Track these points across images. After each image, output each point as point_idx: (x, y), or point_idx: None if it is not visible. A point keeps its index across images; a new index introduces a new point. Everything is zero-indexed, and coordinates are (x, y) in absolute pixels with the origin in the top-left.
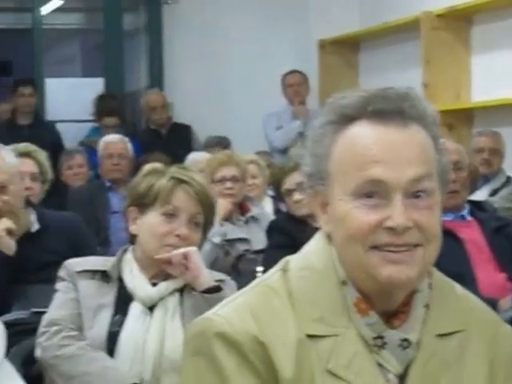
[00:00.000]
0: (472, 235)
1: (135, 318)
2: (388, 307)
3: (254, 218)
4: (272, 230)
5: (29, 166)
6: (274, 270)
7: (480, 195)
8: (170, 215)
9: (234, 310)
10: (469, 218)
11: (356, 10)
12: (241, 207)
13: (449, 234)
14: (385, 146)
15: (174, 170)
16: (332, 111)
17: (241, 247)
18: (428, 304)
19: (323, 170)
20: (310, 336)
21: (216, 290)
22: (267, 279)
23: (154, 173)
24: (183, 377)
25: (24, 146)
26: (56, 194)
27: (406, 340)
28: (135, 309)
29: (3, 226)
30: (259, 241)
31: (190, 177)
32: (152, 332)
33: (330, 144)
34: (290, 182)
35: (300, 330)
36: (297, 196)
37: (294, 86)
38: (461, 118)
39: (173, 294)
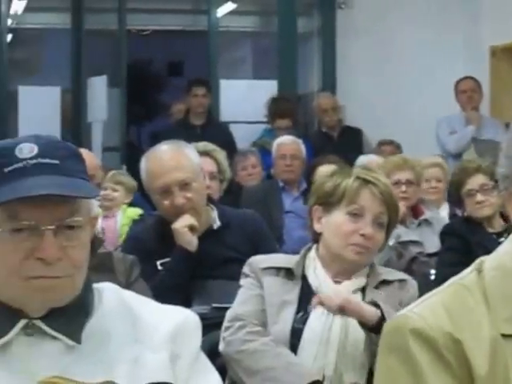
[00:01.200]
0: None
1: (318, 316)
2: None
3: (427, 221)
4: (446, 233)
5: (208, 164)
6: (469, 270)
7: None
8: (355, 215)
9: (429, 308)
10: None
11: None
12: (414, 210)
13: None
14: None
15: (359, 171)
16: None
17: (414, 250)
18: None
19: None
20: (504, 336)
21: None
22: (462, 279)
23: (340, 173)
24: (378, 371)
25: (203, 145)
26: (230, 193)
27: None
28: (318, 306)
29: (186, 222)
30: (432, 244)
31: (375, 177)
32: (334, 329)
33: None
34: (472, 183)
35: (494, 329)
36: (479, 197)
37: (468, 91)
38: None
39: (355, 292)
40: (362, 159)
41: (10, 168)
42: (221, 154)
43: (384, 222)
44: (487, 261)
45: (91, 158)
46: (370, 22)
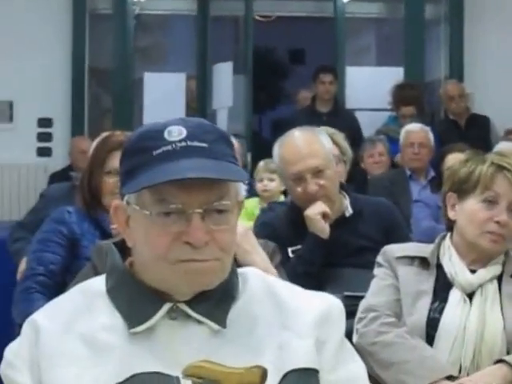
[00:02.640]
0: None
1: (455, 305)
2: None
3: None
4: None
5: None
6: None
7: None
8: (490, 202)
9: None
10: None
11: None
12: None
13: None
14: None
15: (494, 157)
16: None
17: None
18: None
19: None
20: None
21: None
22: None
23: (474, 159)
24: None
25: (322, 129)
26: (355, 181)
27: None
28: (455, 295)
29: (319, 209)
30: None
31: (510, 163)
32: (472, 319)
33: None
34: None
35: None
36: None
37: None
38: None
39: (491, 280)
40: (502, 146)
41: (158, 151)
42: (340, 136)
43: None
44: None
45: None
46: (498, 8)
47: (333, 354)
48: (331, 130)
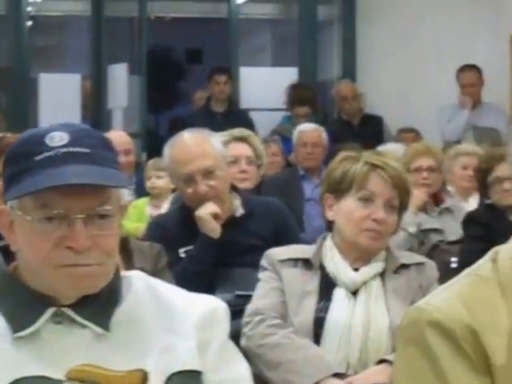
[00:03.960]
0: None
1: (340, 303)
2: None
3: (448, 209)
4: (469, 221)
5: (244, 150)
6: (484, 260)
7: None
8: (366, 200)
9: (446, 299)
10: None
11: None
12: (435, 198)
13: None
14: None
15: (367, 156)
16: None
17: (435, 237)
18: None
19: None
20: None
21: None
22: (477, 269)
23: (349, 159)
24: (397, 366)
25: (239, 131)
26: None
27: None
28: (339, 294)
29: (209, 210)
30: (453, 232)
31: (383, 162)
32: (357, 316)
33: None
34: (502, 169)
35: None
36: (507, 185)
37: (467, 87)
38: None
39: (375, 277)
40: (384, 147)
41: (40, 156)
42: (257, 140)
43: (395, 206)
44: (502, 250)
45: (125, 137)
46: (390, 9)
47: (217, 354)
48: (248, 132)
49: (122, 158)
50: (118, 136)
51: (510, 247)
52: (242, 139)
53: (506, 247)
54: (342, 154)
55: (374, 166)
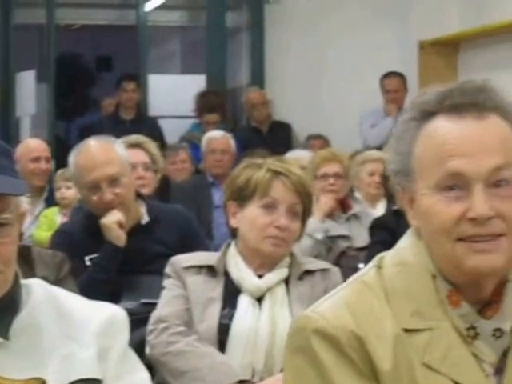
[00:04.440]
0: None
1: (244, 310)
2: (479, 298)
3: (355, 216)
4: (375, 227)
5: (141, 156)
6: (369, 267)
7: None
8: (269, 207)
9: (332, 307)
10: None
11: (456, 11)
12: (343, 204)
13: None
14: (462, 138)
15: (270, 163)
16: (414, 108)
17: (342, 244)
18: None
19: (407, 166)
20: (407, 330)
21: None
22: (362, 276)
23: (252, 166)
24: (286, 373)
25: (135, 137)
26: (159, 188)
27: (499, 329)
28: (244, 301)
29: (114, 218)
30: (360, 238)
31: (286, 168)
32: (262, 322)
33: (412, 140)
34: None
35: (396, 324)
36: None
37: (391, 92)
38: None
39: (279, 284)
40: (291, 154)
41: None
42: (152, 145)
43: (298, 212)
44: (387, 257)
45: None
46: (298, 16)
47: (116, 362)
48: (143, 139)
49: (43, 166)
50: (38, 144)
51: (395, 254)
52: (137, 146)
53: (391, 254)
54: (244, 162)
55: (277, 173)
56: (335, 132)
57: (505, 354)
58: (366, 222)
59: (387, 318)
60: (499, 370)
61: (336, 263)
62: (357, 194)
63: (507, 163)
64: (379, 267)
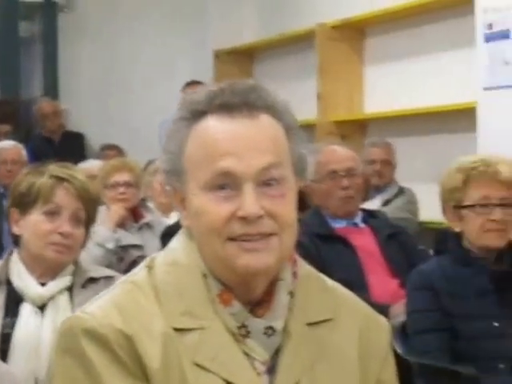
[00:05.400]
0: (365, 242)
1: (27, 319)
2: (251, 296)
3: (147, 225)
4: (167, 235)
5: None
6: (140, 268)
7: (372, 205)
8: (52, 213)
9: (101, 307)
10: (362, 225)
11: (252, 21)
12: (134, 214)
13: (341, 241)
14: (232, 137)
15: (53, 169)
16: (184, 108)
17: (134, 253)
18: (292, 292)
19: (178, 166)
20: (177, 329)
21: None
22: (133, 276)
23: (34, 173)
24: (55, 374)
25: None
26: None
27: (270, 328)
28: (26, 309)
29: None
30: (153, 247)
31: (69, 174)
32: (45, 331)
33: (183, 140)
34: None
35: (167, 324)
36: None
37: None
38: (354, 129)
39: (62, 292)
40: (83, 164)
41: None
42: None
43: (82, 219)
44: (159, 257)
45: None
46: (93, 26)
47: None
48: None
49: None
50: None
51: (167, 254)
52: None
53: (163, 254)
54: (27, 168)
55: (60, 179)
56: (133, 142)
57: (277, 353)
58: (158, 231)
59: (157, 317)
60: (271, 369)
61: (127, 272)
62: (149, 204)
63: (277, 163)
64: (150, 267)
